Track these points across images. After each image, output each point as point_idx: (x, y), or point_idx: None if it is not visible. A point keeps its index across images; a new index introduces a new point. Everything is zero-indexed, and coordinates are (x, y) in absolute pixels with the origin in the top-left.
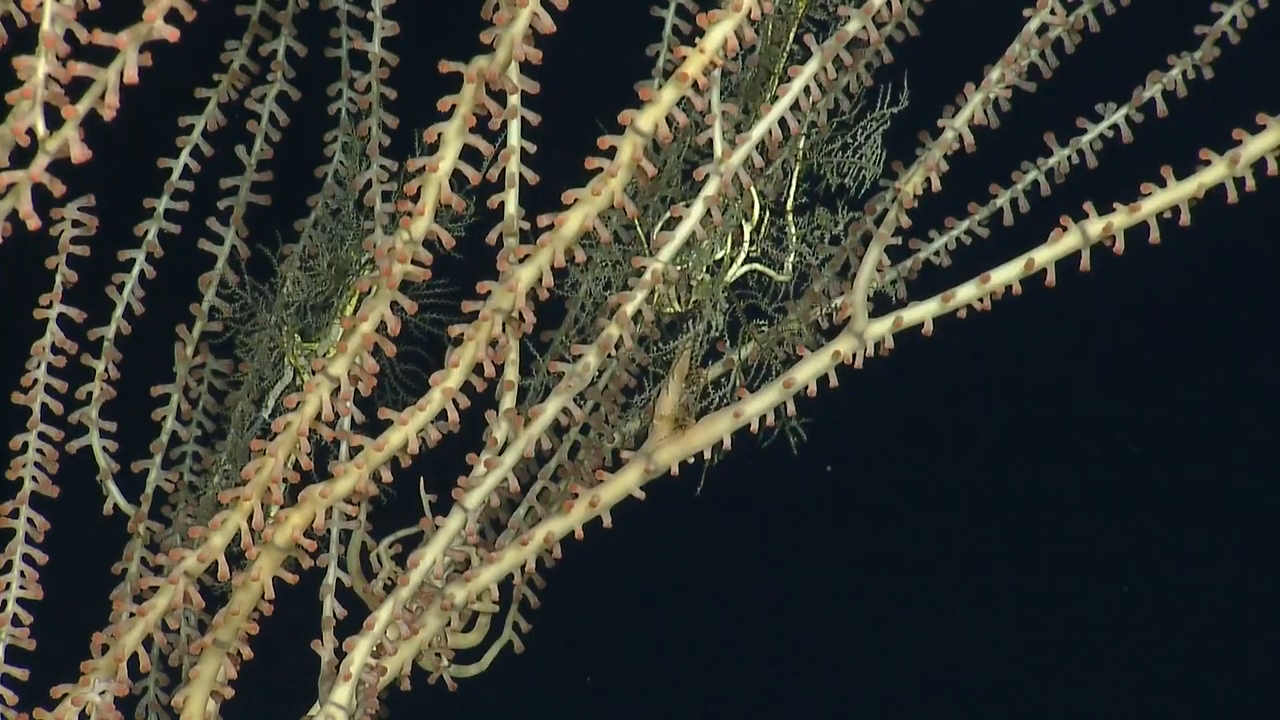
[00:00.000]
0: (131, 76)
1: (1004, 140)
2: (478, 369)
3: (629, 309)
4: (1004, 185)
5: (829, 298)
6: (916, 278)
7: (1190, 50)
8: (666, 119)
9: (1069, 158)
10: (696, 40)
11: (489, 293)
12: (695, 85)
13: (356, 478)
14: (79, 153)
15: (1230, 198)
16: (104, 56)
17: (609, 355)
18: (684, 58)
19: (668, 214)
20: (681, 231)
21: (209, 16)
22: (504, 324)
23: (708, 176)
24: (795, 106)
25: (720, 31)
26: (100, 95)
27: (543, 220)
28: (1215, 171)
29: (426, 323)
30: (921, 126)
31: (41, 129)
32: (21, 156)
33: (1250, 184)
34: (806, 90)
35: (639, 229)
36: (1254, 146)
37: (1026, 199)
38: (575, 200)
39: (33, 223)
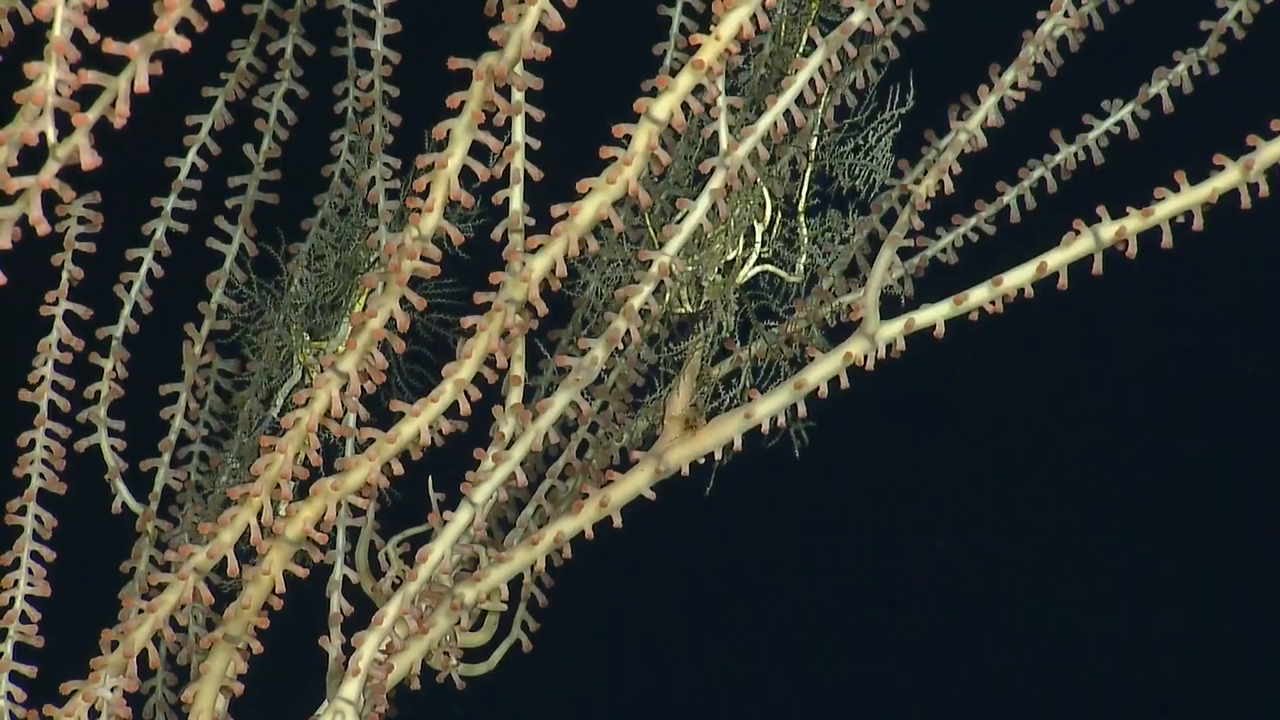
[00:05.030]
0: (142, 86)
1: (1010, 137)
2: (489, 361)
3: (636, 302)
4: (1010, 183)
5: (836, 296)
6: (923, 275)
7: (1196, 46)
8: (682, 106)
9: (1075, 155)
10: (711, 27)
11: (501, 284)
12: (708, 73)
13: (368, 470)
14: (89, 160)
15: (1244, 203)
16: (114, 62)
17: (617, 351)
18: (699, 45)
19: (678, 212)
20: (688, 224)
21: (216, 15)
22: (516, 315)
23: (714, 170)
24: (801, 101)
25: (736, 18)
26: (111, 103)
27: (556, 210)
28: (1229, 176)
29: (432, 323)
30: (929, 122)
31: (52, 135)
32: (31, 160)
33: (1264, 190)
34: (812, 83)
35: (649, 226)
36: (1268, 152)
37: (1033, 196)
38: (589, 189)
39: (42, 228)
